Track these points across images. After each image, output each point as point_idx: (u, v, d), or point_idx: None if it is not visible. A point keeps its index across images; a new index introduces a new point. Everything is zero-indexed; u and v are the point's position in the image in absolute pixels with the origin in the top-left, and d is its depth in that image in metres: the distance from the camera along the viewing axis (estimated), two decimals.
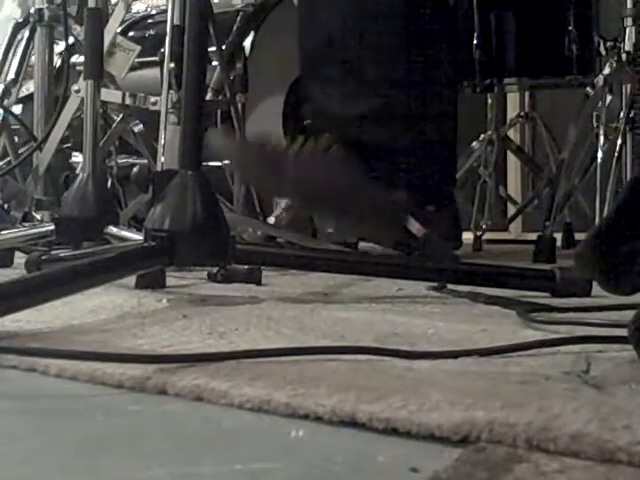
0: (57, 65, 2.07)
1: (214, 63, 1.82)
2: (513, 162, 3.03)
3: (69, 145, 2.01)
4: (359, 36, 1.77)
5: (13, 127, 1.99)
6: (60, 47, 2.03)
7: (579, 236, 2.46)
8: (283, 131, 1.91)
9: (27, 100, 2.08)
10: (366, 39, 1.77)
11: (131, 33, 2.28)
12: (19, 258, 1.63)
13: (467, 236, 2.51)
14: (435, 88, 1.87)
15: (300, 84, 1.88)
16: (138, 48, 1.75)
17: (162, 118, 1.48)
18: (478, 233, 2.62)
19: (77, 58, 2.06)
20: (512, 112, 2.88)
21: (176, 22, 1.44)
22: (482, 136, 2.61)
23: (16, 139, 2.00)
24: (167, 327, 0.89)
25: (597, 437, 0.46)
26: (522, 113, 2.72)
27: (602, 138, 2.03)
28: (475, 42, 2.29)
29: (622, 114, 2.03)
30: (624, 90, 2.05)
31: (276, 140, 1.73)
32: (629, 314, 0.68)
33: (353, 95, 1.78)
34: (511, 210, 2.87)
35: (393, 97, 1.81)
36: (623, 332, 0.69)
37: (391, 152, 1.80)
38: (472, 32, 2.29)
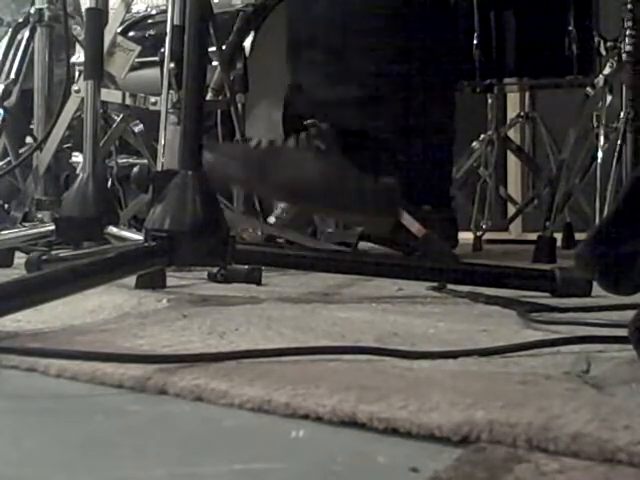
0: None
1: (214, 63, 1.82)
2: (513, 162, 3.03)
3: (69, 145, 2.01)
4: (356, 36, 1.77)
5: None
6: None
7: (579, 236, 2.46)
8: (283, 131, 1.91)
9: None
10: (365, 39, 1.77)
11: (131, 33, 2.28)
12: (19, 258, 1.63)
13: (467, 236, 2.52)
14: (433, 88, 1.87)
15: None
16: (138, 48, 1.75)
17: (162, 118, 1.48)
18: (478, 233, 2.62)
19: (77, 58, 2.06)
20: (512, 112, 2.89)
21: (176, 22, 1.44)
22: (482, 136, 2.61)
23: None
24: (167, 327, 0.89)
25: (597, 437, 0.46)
26: (522, 113, 2.72)
27: (602, 138, 2.03)
28: (475, 42, 2.29)
29: (622, 114, 2.03)
30: (624, 90, 2.05)
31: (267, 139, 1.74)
32: (629, 314, 0.68)
33: (350, 96, 1.78)
34: (511, 210, 2.87)
35: (390, 97, 1.81)
36: (623, 332, 0.69)
37: (387, 152, 1.80)
38: (472, 32, 2.29)
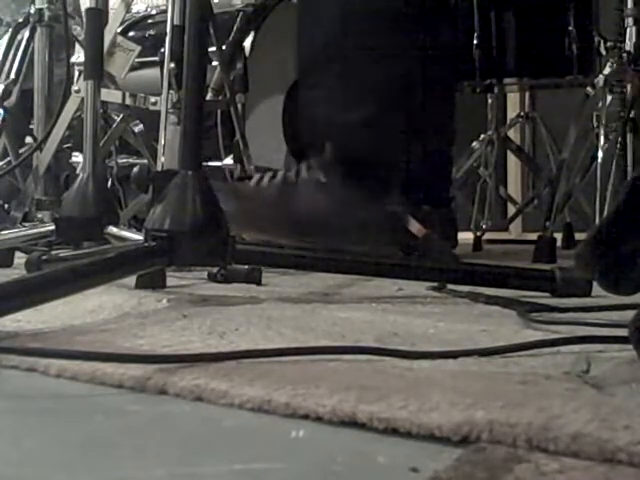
0: None
1: (214, 63, 1.82)
2: (513, 162, 3.03)
3: (69, 145, 2.01)
4: (358, 37, 1.76)
5: None
6: None
7: (579, 236, 2.46)
8: (283, 131, 1.91)
9: None
10: (366, 40, 1.77)
11: (131, 33, 2.28)
12: (19, 258, 1.63)
13: (467, 236, 2.52)
14: (433, 90, 1.86)
15: (298, 90, 1.87)
16: (138, 48, 1.75)
17: (162, 118, 1.48)
18: (478, 233, 2.62)
19: (77, 58, 2.06)
20: (512, 112, 2.89)
21: (176, 22, 1.44)
22: (482, 136, 2.61)
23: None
24: (167, 327, 0.89)
25: (597, 437, 0.46)
26: (522, 113, 2.72)
27: (602, 138, 2.03)
28: (475, 42, 2.29)
29: (622, 114, 2.03)
30: (624, 90, 2.05)
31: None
32: (629, 314, 0.68)
33: (352, 98, 1.78)
34: (511, 210, 2.88)
35: (390, 99, 1.80)
36: (623, 332, 0.69)
37: (388, 154, 1.79)
38: (472, 32, 2.29)
